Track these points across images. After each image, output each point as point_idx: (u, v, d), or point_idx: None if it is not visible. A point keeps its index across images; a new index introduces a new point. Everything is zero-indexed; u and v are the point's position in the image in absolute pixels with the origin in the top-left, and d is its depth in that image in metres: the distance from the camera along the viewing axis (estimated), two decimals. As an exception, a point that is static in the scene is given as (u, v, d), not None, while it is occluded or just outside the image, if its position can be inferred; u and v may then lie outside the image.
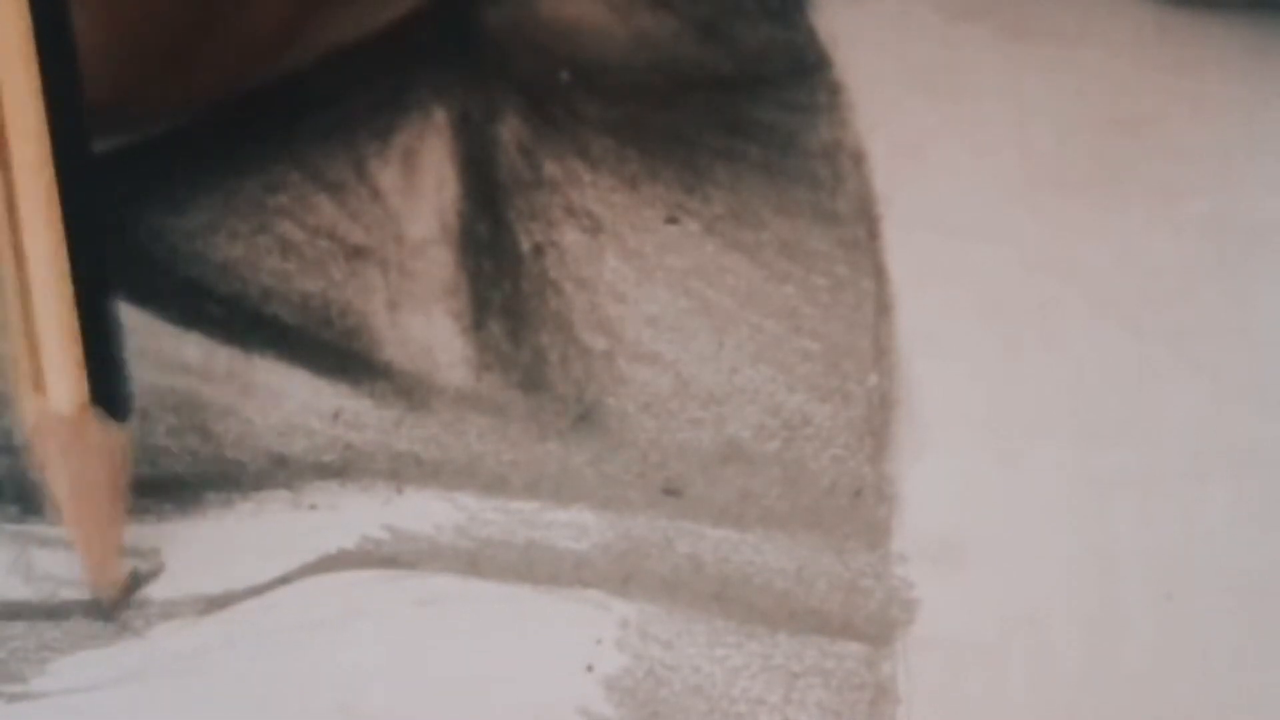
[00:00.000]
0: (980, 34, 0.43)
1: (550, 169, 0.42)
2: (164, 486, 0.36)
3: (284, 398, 0.37)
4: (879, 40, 0.43)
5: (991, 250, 0.39)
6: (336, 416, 0.37)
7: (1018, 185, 0.40)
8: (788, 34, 0.44)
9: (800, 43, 0.44)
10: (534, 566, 0.34)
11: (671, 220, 0.40)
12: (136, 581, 0.34)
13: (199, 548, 0.35)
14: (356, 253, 0.40)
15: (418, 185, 0.42)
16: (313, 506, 0.36)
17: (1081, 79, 0.42)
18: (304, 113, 0.43)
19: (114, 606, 0.34)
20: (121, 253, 0.40)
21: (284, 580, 0.34)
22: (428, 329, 0.39)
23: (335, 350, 0.38)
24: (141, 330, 0.39)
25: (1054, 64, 0.42)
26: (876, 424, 0.36)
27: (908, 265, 0.39)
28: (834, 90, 0.43)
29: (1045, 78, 0.42)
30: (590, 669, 0.32)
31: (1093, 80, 0.42)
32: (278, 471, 0.36)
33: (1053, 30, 0.43)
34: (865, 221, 0.40)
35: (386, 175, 0.42)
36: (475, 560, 0.34)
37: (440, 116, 0.43)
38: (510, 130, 0.43)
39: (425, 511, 0.35)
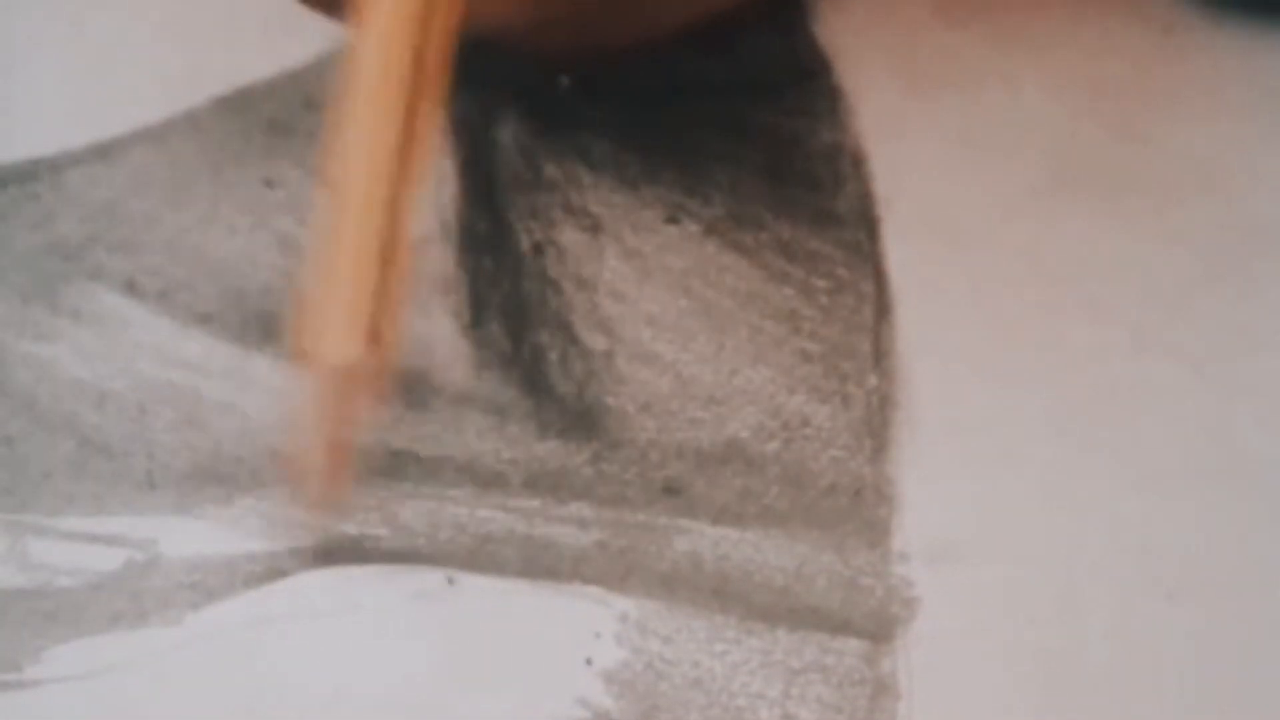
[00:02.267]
0: (980, 40, 0.43)
1: (550, 169, 0.42)
2: (162, 479, 0.36)
3: (282, 393, 0.37)
4: (879, 46, 0.43)
5: (991, 253, 0.39)
6: (335, 413, 0.37)
7: (1017, 189, 0.40)
8: (788, 40, 0.44)
9: (801, 50, 0.44)
10: (532, 562, 0.34)
11: (672, 221, 0.40)
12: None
13: (196, 541, 0.35)
14: (356, 250, 0.40)
15: (417, 184, 0.42)
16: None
17: (1081, 84, 0.42)
18: (304, 110, 0.43)
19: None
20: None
21: (281, 574, 0.34)
22: (427, 327, 0.39)
23: (334, 347, 0.38)
24: (141, 324, 0.38)
25: (1053, 69, 0.42)
26: (876, 425, 0.36)
27: (907, 268, 0.39)
28: (834, 95, 0.43)
29: (1044, 83, 0.42)
30: (589, 662, 0.32)
31: (1092, 85, 0.42)
32: (276, 467, 0.36)
33: (1052, 36, 0.43)
34: (865, 224, 0.40)
35: (386, 173, 0.42)
36: (474, 556, 0.34)
37: (440, 115, 0.43)
38: (510, 130, 0.43)
39: (423, 509, 0.35)
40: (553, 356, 0.38)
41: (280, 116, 0.44)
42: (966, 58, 0.43)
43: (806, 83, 0.43)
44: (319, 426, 0.34)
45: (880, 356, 0.37)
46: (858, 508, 0.35)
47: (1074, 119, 0.41)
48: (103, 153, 0.42)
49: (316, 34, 0.43)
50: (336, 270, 0.33)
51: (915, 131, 0.41)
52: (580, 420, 0.37)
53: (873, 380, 0.37)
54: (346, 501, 0.35)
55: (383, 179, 0.34)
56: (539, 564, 0.34)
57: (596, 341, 0.38)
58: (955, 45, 0.43)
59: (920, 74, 0.42)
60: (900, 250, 0.39)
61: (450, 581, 0.34)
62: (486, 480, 0.36)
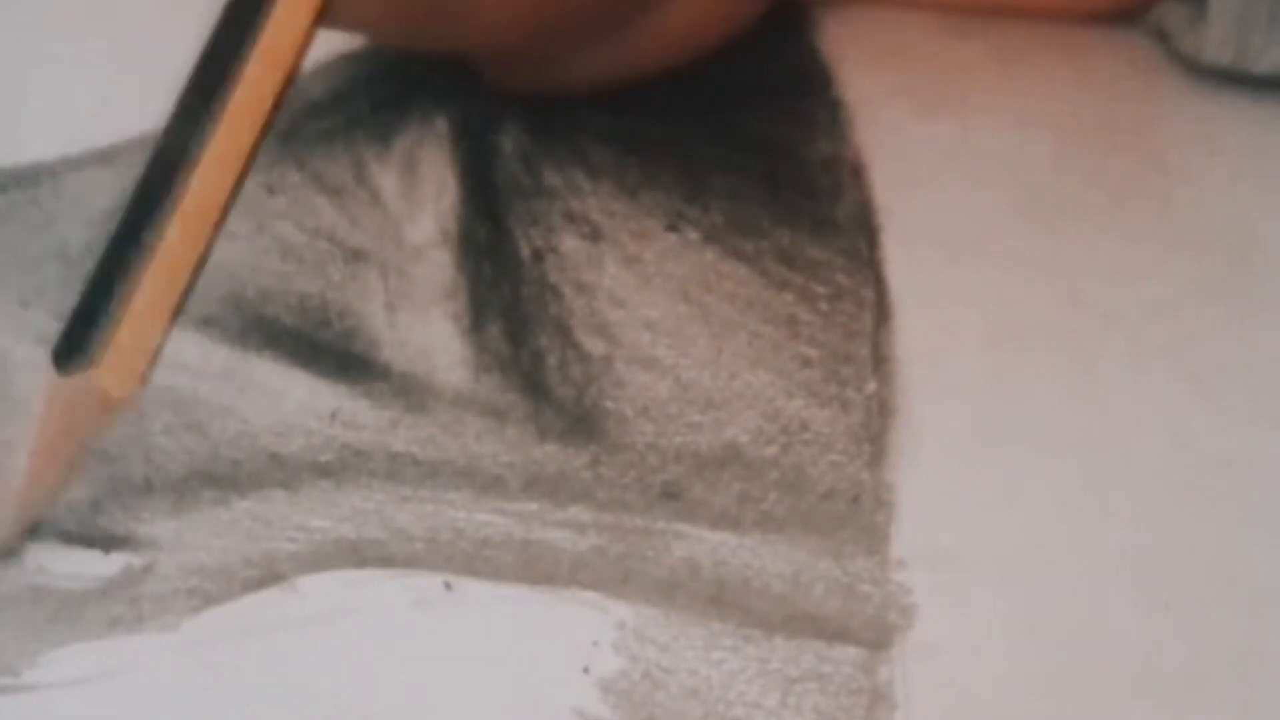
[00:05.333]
0: (979, 50, 0.43)
1: (550, 177, 0.42)
2: (159, 483, 0.36)
3: (281, 397, 0.37)
4: (880, 56, 0.44)
5: (990, 261, 0.39)
6: (334, 417, 0.37)
7: (1016, 197, 0.40)
8: (790, 52, 0.44)
9: (802, 60, 0.44)
10: (530, 567, 0.34)
11: (672, 228, 0.40)
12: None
13: (194, 545, 0.35)
14: (355, 255, 0.40)
15: (418, 190, 0.42)
16: (310, 507, 0.35)
17: (1081, 93, 0.42)
18: (306, 115, 0.43)
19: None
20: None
21: (279, 579, 0.34)
22: (426, 331, 0.39)
23: (333, 351, 0.38)
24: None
25: (1052, 79, 0.42)
26: (875, 431, 0.36)
27: (907, 275, 0.39)
28: (834, 106, 0.43)
29: (1043, 92, 0.42)
30: (586, 670, 0.32)
31: (1090, 95, 0.42)
32: (274, 471, 0.36)
33: (1053, 46, 0.43)
34: (865, 232, 0.40)
35: (387, 179, 0.42)
36: (471, 561, 0.34)
37: (441, 123, 0.43)
38: (510, 138, 0.43)
39: (422, 512, 0.35)
40: (552, 360, 0.38)
41: (281, 122, 0.44)
42: (967, 67, 0.43)
43: (807, 93, 0.43)
44: (50, 443, 0.34)
45: (880, 362, 0.37)
46: (856, 513, 0.35)
47: (1073, 129, 0.41)
48: (105, 158, 0.42)
49: (317, 40, 0.43)
50: (152, 304, 0.33)
51: (915, 141, 0.41)
52: (579, 423, 0.37)
53: (872, 386, 0.37)
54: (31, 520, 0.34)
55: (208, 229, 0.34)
56: (537, 569, 0.34)
57: (595, 346, 0.38)
58: (956, 55, 0.43)
59: (921, 84, 0.43)
60: (900, 258, 0.39)
61: (448, 587, 0.34)
62: (485, 484, 0.36)
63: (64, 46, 0.45)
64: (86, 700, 0.32)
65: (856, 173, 0.41)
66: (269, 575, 0.34)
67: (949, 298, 0.38)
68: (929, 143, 0.42)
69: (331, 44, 0.44)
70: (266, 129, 0.34)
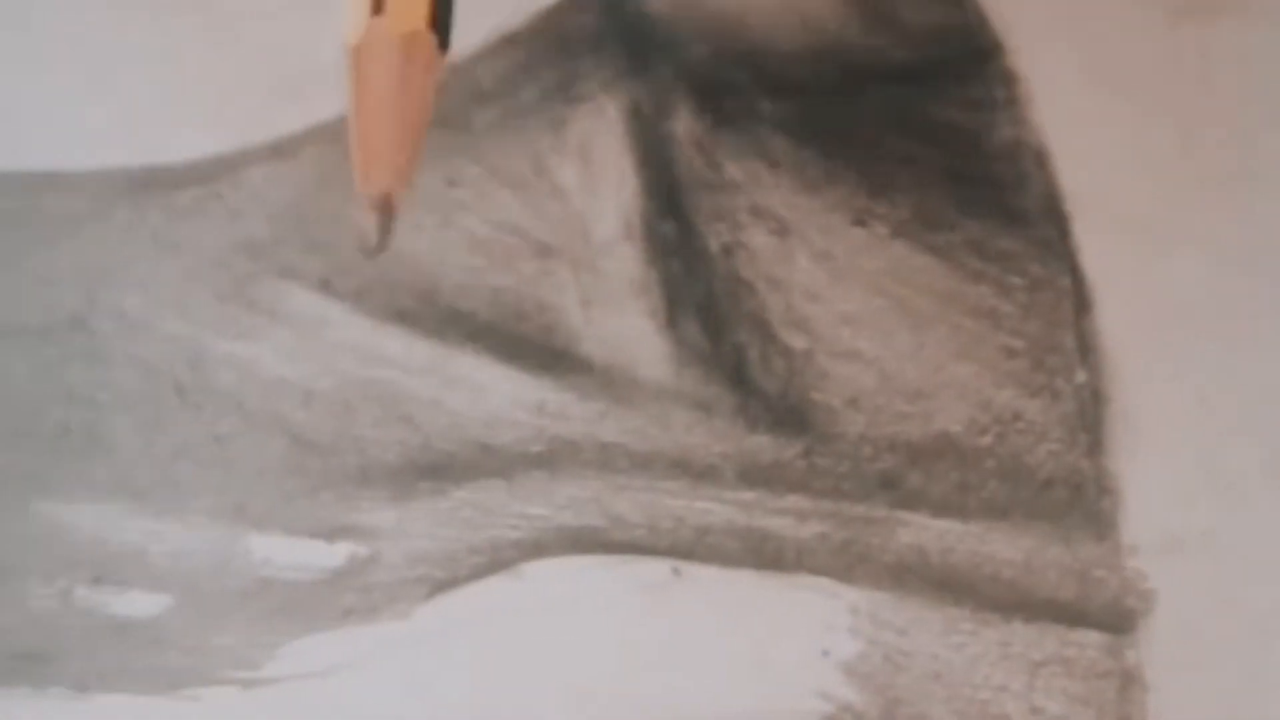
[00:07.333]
0: (1155, 12, 0.42)
1: (731, 169, 0.42)
2: (375, 475, 0.36)
3: (487, 390, 0.38)
4: (1051, 22, 0.42)
5: (1185, 245, 0.39)
6: (541, 409, 0.37)
7: (1205, 177, 0.40)
8: (958, 17, 0.44)
9: (971, 27, 0.43)
10: (756, 553, 0.34)
11: (859, 224, 0.41)
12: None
13: (417, 534, 0.35)
14: (544, 250, 0.40)
15: (597, 182, 0.42)
16: (527, 496, 0.36)
17: (1270, 60, 0.41)
18: (475, 104, 0.43)
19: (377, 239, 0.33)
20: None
21: (505, 565, 0.34)
22: (623, 326, 0.39)
23: (534, 344, 0.39)
24: (338, 323, 0.39)
25: (1231, 45, 0.41)
26: (1090, 420, 0.36)
27: (1102, 263, 0.39)
28: (1010, 81, 0.42)
29: (1230, 57, 0.41)
30: (826, 654, 0.32)
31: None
32: (488, 461, 0.36)
33: (1229, 7, 0.42)
34: (1054, 220, 0.40)
35: (565, 171, 0.42)
36: (695, 547, 0.35)
37: (611, 109, 0.43)
38: (684, 125, 0.43)
39: (639, 500, 0.35)
40: (753, 355, 0.38)
41: (451, 112, 0.43)
42: (1144, 31, 0.42)
43: (979, 66, 0.42)
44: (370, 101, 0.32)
45: (1086, 351, 0.37)
46: (1080, 501, 0.35)
47: (1271, 102, 0.41)
48: (279, 151, 0.42)
49: (478, 26, 0.43)
50: None
51: (1098, 118, 0.41)
52: (788, 415, 0.37)
53: (1081, 375, 0.37)
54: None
55: None
56: (763, 555, 0.34)
57: (795, 340, 0.38)
58: (1132, 18, 0.42)
59: (1097, 55, 0.42)
60: (1093, 245, 0.39)
61: (676, 572, 0.34)
62: (700, 473, 0.36)
63: (221, 41, 0.45)
64: (328, 691, 0.33)
65: (1040, 159, 0.41)
66: (495, 562, 0.34)
67: (1147, 285, 0.38)
68: (1112, 118, 0.41)
69: (490, 30, 0.43)
70: None
